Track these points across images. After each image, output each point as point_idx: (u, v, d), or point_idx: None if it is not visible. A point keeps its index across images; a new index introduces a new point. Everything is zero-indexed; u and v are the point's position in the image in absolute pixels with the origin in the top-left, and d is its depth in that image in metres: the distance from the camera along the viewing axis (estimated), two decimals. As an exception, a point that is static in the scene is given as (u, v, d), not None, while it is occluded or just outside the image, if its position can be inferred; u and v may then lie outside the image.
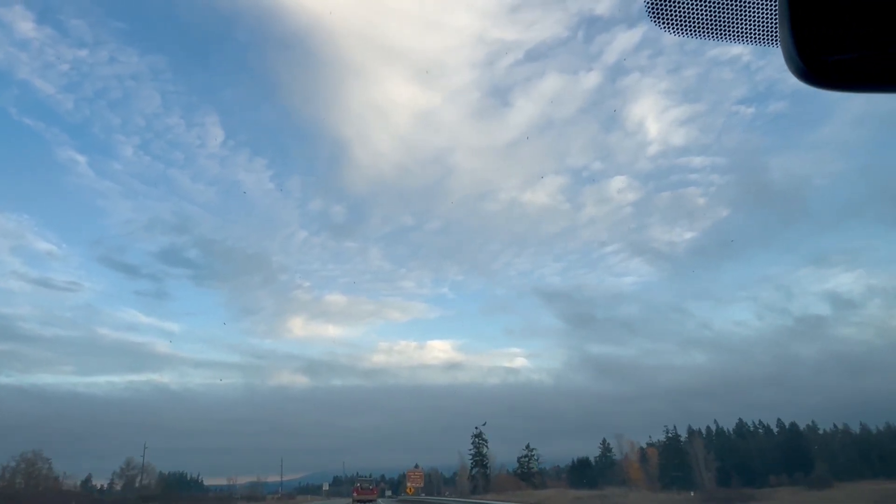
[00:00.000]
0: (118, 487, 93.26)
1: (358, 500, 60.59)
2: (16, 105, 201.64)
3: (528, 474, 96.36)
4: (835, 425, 77.78)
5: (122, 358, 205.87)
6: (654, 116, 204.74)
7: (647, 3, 1.80)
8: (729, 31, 1.86)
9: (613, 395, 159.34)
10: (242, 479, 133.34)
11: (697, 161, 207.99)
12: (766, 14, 1.80)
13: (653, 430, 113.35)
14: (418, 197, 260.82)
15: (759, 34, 1.86)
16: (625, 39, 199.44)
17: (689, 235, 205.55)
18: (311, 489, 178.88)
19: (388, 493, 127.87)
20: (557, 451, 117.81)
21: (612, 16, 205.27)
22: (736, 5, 1.80)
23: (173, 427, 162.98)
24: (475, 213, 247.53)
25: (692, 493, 48.97)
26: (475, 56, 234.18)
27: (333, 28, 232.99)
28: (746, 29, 1.86)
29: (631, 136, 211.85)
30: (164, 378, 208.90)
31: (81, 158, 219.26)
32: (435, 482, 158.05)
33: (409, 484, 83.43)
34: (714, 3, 1.80)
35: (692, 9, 1.81)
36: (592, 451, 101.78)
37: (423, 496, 77.99)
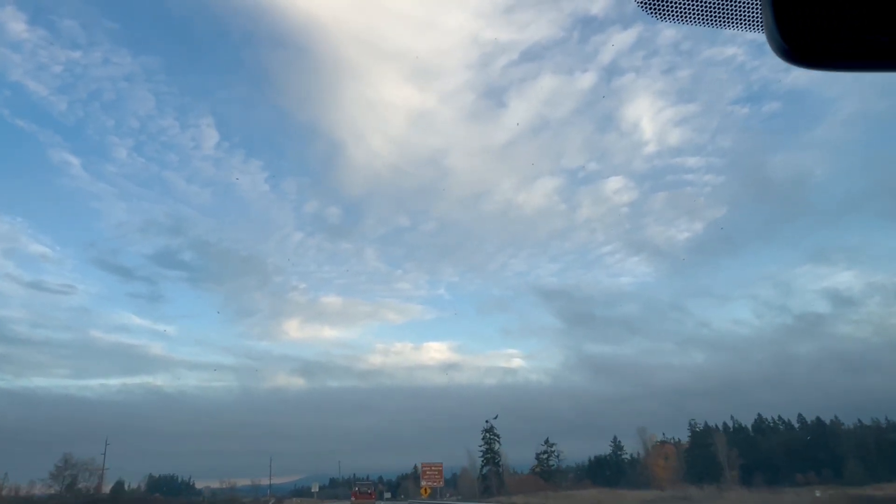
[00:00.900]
0: (53, 490, 79.13)
1: None
2: (8, 107, 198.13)
3: (548, 472, 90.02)
4: (859, 420, 74.92)
5: (117, 361, 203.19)
6: (649, 117, 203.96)
7: None
8: (714, 15, 1.91)
9: (613, 394, 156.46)
10: (236, 482, 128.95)
11: (692, 161, 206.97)
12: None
13: (654, 429, 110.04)
14: (414, 198, 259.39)
15: (744, 18, 1.91)
16: (620, 40, 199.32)
17: (685, 235, 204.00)
18: (305, 492, 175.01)
19: (388, 495, 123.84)
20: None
21: (607, 16, 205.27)
22: None
23: (167, 429, 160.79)
24: (471, 214, 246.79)
25: (817, 494, 44.76)
26: (470, 57, 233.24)
27: (328, 29, 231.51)
28: (732, 13, 1.91)
29: (626, 136, 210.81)
30: (158, 380, 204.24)
31: (75, 160, 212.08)
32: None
33: (423, 483, 67.63)
34: None
35: None
36: (595, 451, 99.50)
37: (449, 500, 66.44)
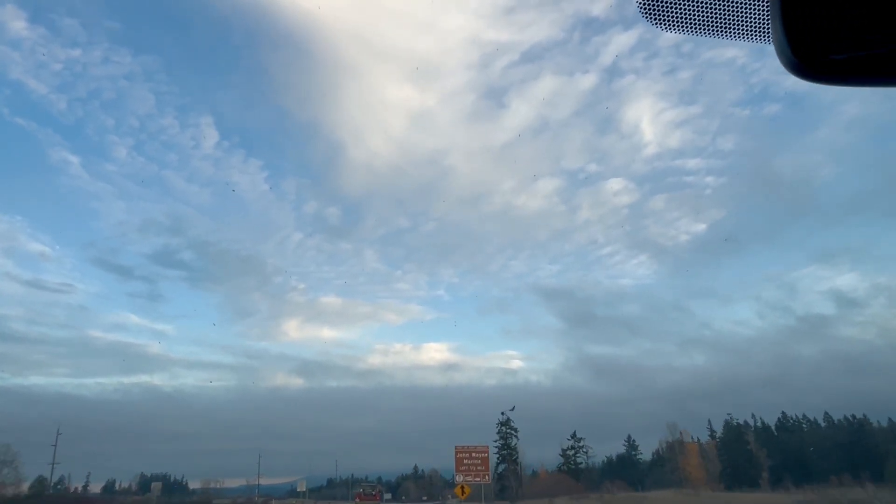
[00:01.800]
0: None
1: None
2: (8, 105, 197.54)
3: (576, 471, 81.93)
4: (890, 419, 70.92)
5: (115, 360, 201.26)
6: (650, 118, 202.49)
7: (641, 0, 1.79)
8: (722, 26, 1.87)
9: (615, 395, 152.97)
10: (224, 482, 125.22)
11: (693, 163, 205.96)
12: (759, 9, 1.82)
13: (659, 431, 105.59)
14: (414, 198, 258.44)
15: (752, 29, 1.87)
16: (621, 41, 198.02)
17: (685, 237, 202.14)
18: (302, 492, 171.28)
19: (388, 496, 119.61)
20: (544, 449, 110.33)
21: (608, 17, 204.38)
22: (728, 1, 1.82)
23: (164, 429, 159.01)
24: (471, 214, 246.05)
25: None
26: (470, 57, 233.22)
27: (328, 29, 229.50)
28: (740, 24, 1.87)
29: (627, 138, 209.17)
30: (157, 380, 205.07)
31: (75, 159, 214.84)
32: (436, 485, 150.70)
33: (460, 478, 43.45)
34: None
35: (685, 5, 1.82)
36: (604, 451, 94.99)
37: None
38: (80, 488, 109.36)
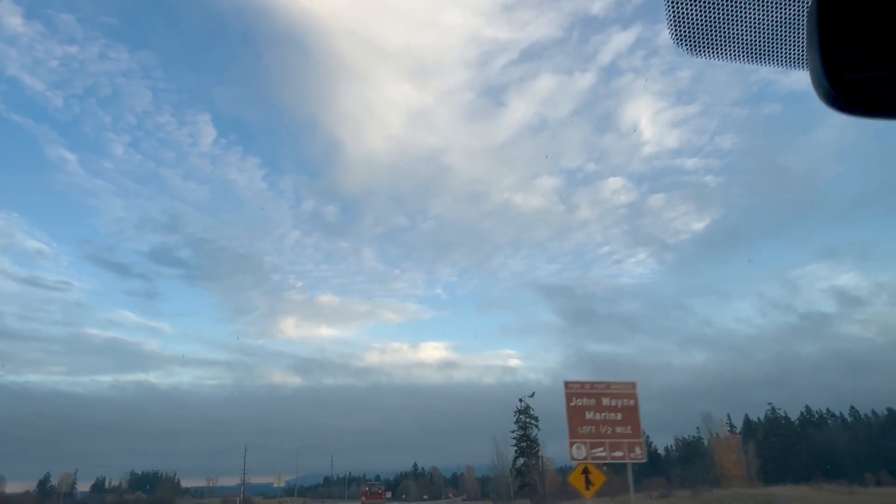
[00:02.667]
0: None
1: None
2: (5, 102, 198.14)
3: (614, 465, 74.74)
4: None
5: (110, 357, 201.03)
6: (648, 117, 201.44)
7: (671, 26, 1.75)
8: (755, 53, 1.82)
9: None
10: (225, 481, 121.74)
11: (691, 163, 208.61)
12: (794, 37, 1.77)
13: (661, 429, 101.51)
14: (412, 197, 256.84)
15: (786, 57, 1.81)
16: (620, 40, 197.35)
17: (684, 236, 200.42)
18: (298, 491, 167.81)
19: (388, 494, 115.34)
20: (561, 450, 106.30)
21: (608, 16, 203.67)
22: (762, 28, 1.76)
23: (160, 427, 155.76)
24: (469, 213, 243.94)
25: None
26: (469, 55, 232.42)
27: (326, 25, 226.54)
28: (773, 51, 1.82)
29: (626, 137, 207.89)
30: (153, 378, 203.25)
31: (71, 156, 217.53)
32: (437, 483, 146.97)
33: (581, 451, 17.55)
34: (738, 25, 1.75)
35: (715, 32, 1.77)
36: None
37: None
38: (123, 483, 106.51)
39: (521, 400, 77.71)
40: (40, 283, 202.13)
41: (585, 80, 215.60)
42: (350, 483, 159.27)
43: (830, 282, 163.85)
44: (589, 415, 20.20)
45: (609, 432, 20.01)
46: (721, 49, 1.78)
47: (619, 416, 20.20)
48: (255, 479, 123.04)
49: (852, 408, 72.52)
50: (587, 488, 19.19)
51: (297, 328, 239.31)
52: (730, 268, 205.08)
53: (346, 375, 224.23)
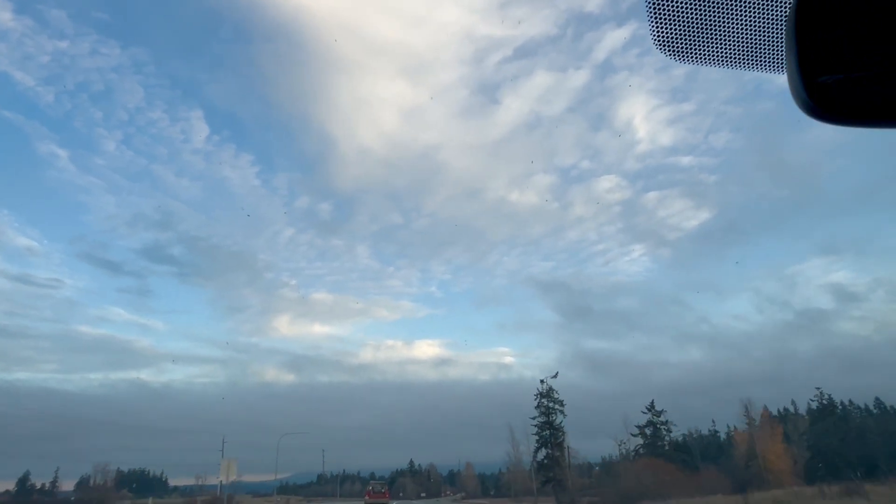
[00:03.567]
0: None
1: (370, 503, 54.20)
2: None
3: (664, 452, 61.34)
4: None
5: (102, 355, 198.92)
6: (643, 115, 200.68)
7: (654, 33, 1.78)
8: (736, 58, 1.86)
9: (611, 390, 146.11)
10: (216, 479, 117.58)
11: (686, 160, 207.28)
12: (774, 43, 1.80)
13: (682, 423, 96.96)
14: (406, 194, 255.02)
15: (766, 63, 1.85)
16: (614, 37, 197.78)
17: (679, 234, 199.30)
18: (291, 489, 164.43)
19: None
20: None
21: (602, 13, 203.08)
22: (742, 34, 1.80)
23: (151, 425, 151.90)
24: (464, 210, 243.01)
25: None
26: (463, 52, 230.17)
27: (320, 22, 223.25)
28: (753, 57, 1.86)
29: (620, 135, 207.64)
30: (144, 375, 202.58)
31: (63, 153, 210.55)
32: (434, 480, 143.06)
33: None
34: (720, 31, 1.79)
35: (699, 38, 1.80)
36: (601, 449, 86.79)
37: None
38: (109, 482, 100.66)
39: (542, 381, 67.52)
40: (31, 281, 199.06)
41: (580, 78, 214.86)
42: (344, 481, 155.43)
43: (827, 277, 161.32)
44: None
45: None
46: (701, 53, 1.79)
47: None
48: (248, 478, 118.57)
49: (877, 399, 68.88)
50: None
51: (291, 326, 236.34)
52: (727, 264, 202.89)
53: (340, 372, 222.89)
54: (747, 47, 1.79)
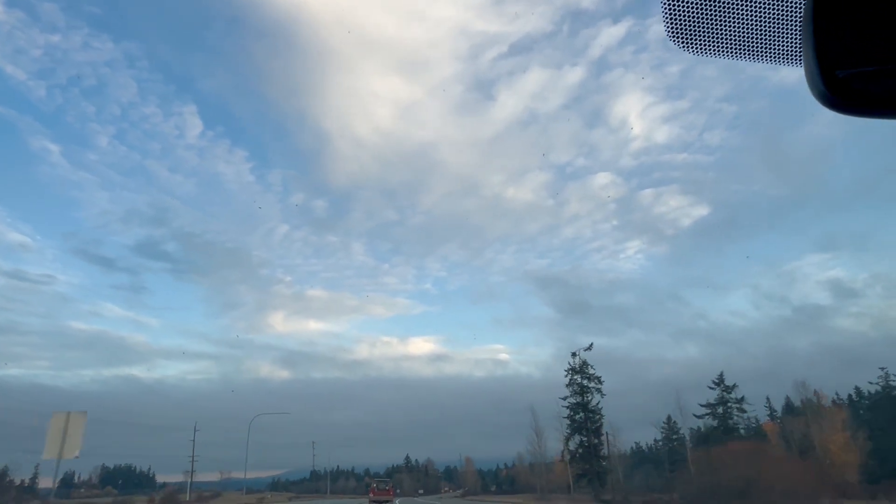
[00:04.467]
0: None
1: (374, 502, 51.99)
2: None
3: (740, 434, 51.52)
4: None
5: (96, 351, 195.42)
6: (638, 112, 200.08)
7: (666, 22, 1.74)
8: (750, 50, 1.80)
9: (612, 390, 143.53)
10: (205, 476, 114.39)
11: (681, 157, 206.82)
12: (789, 34, 1.76)
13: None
14: (402, 191, 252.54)
15: (781, 54, 1.80)
16: (610, 34, 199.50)
17: (675, 231, 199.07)
18: (282, 485, 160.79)
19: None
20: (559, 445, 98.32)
21: (598, 10, 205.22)
22: (758, 25, 1.75)
23: (144, 421, 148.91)
24: (459, 207, 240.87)
25: None
26: (458, 49, 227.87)
27: (314, 17, 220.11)
28: (769, 48, 1.80)
29: (615, 132, 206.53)
30: (138, 372, 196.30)
31: (55, 148, 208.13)
32: (432, 476, 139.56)
33: None
34: (734, 22, 1.74)
35: (712, 28, 1.76)
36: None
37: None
38: (26, 481, 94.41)
39: (574, 354, 56.00)
40: (24, 277, 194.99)
41: (575, 75, 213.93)
42: (337, 477, 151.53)
43: (824, 274, 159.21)
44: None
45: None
46: (716, 45, 1.74)
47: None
48: (239, 475, 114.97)
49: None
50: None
51: (286, 322, 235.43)
52: (725, 260, 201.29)
53: (335, 369, 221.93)
54: (763, 39, 1.71)
